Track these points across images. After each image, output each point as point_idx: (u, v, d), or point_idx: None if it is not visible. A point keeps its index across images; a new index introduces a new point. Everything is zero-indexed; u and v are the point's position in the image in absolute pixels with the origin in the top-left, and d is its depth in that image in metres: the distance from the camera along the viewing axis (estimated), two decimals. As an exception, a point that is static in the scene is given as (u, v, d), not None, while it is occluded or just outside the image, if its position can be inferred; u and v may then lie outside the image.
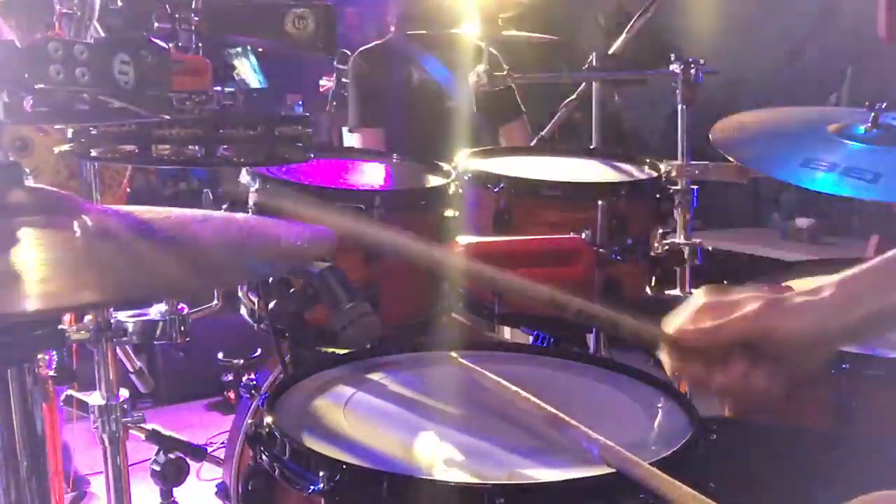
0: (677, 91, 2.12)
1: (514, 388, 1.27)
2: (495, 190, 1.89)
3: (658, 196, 1.97)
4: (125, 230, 1.00)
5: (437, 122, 3.08)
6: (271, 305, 1.53)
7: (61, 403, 1.85)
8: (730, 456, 1.28)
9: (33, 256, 0.89)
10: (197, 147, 1.21)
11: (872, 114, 1.82)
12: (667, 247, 1.95)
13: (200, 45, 1.22)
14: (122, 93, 0.96)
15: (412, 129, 3.05)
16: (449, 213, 1.90)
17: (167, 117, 1.03)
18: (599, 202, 1.80)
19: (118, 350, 1.70)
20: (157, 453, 1.83)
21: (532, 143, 2.96)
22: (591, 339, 2.04)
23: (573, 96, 2.68)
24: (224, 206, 1.75)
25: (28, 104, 0.95)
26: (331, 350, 1.74)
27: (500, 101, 3.18)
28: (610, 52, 2.51)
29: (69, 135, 1.24)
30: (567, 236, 1.70)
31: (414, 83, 3.18)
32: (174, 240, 0.99)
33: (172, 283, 0.95)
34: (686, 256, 1.96)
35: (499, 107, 3.27)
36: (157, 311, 1.71)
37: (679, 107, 2.12)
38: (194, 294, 1.78)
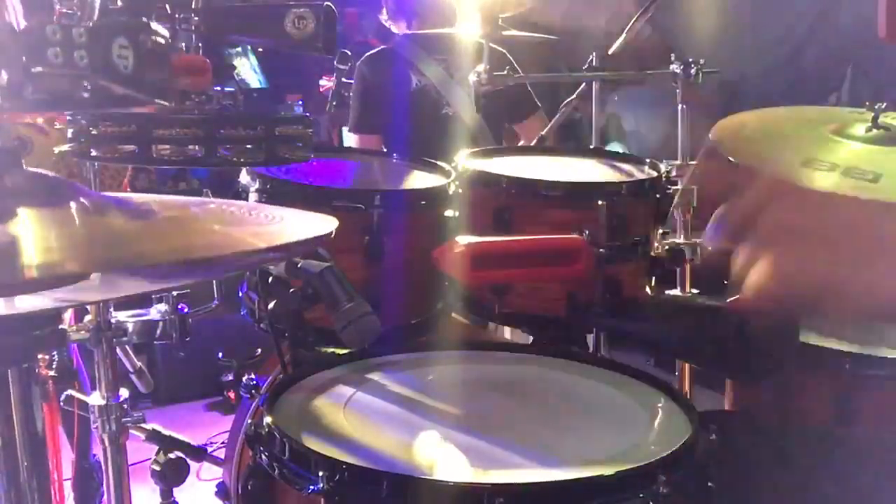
0: (677, 91, 2.12)
1: None
2: (495, 190, 1.89)
3: (658, 196, 1.97)
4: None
5: (433, 128, 3.09)
6: (271, 305, 1.53)
7: (61, 403, 1.85)
8: (730, 452, 1.28)
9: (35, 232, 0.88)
10: (197, 147, 1.21)
11: (872, 114, 1.82)
12: (667, 247, 1.95)
13: (200, 45, 1.22)
14: (121, 77, 0.95)
15: (411, 135, 3.04)
16: (449, 213, 1.90)
17: (166, 103, 1.02)
18: (599, 202, 1.80)
19: (118, 350, 1.70)
20: (157, 453, 1.83)
21: (532, 143, 2.96)
22: (591, 339, 2.04)
23: (573, 96, 2.68)
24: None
25: (28, 91, 0.94)
26: (331, 350, 1.74)
27: (514, 98, 3.16)
28: (610, 51, 2.51)
29: (69, 135, 1.24)
30: (567, 236, 1.69)
31: (413, 88, 3.18)
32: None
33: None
34: (686, 256, 1.96)
35: (513, 105, 3.25)
36: (157, 310, 1.71)
37: (679, 107, 2.12)
38: (194, 292, 1.77)
